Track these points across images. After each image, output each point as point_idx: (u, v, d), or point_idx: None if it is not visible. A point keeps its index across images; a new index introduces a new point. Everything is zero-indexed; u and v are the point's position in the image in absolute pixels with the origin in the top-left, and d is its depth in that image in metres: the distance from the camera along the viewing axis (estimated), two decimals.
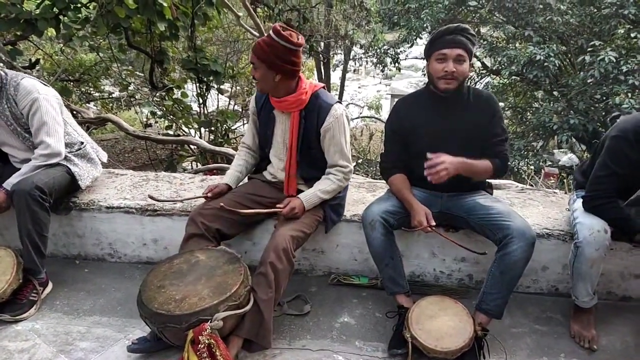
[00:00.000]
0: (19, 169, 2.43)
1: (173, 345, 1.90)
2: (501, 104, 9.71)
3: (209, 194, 2.28)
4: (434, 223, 2.05)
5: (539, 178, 6.46)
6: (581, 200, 2.13)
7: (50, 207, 2.34)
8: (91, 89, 8.30)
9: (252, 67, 2.10)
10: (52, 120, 2.38)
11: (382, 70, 11.29)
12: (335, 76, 15.20)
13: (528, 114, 8.16)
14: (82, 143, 2.61)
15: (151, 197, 2.37)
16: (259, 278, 1.98)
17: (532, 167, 7.73)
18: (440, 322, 1.96)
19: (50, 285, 2.42)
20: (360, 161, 9.81)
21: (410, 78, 18.59)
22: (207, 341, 1.67)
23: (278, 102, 2.19)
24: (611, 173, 2.01)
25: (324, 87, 2.27)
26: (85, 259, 2.73)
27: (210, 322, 1.70)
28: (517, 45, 7.31)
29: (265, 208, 2.32)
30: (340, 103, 2.25)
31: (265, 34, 2.10)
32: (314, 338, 2.12)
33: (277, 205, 2.20)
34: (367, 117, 11.48)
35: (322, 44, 10.66)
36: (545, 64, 6.35)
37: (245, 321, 1.93)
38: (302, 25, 6.61)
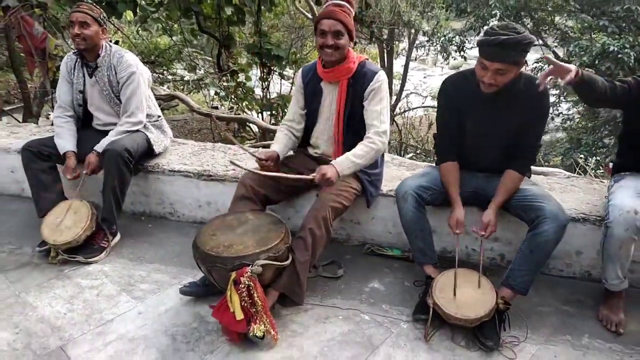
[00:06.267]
0: (100, 131, 2.80)
1: (218, 291, 2.13)
2: (571, 98, 9.25)
3: (262, 156, 2.31)
4: (459, 231, 2.17)
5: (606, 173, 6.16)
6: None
7: (134, 168, 2.69)
8: (165, 71, 8.88)
9: (332, 35, 2.17)
10: (141, 94, 2.76)
11: (446, 59, 11.06)
12: (399, 65, 15.02)
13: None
14: (159, 116, 3.01)
15: (232, 163, 2.27)
16: (298, 241, 2.15)
17: (602, 163, 7.35)
18: (463, 292, 2.04)
19: (118, 236, 2.75)
20: (418, 151, 9.76)
21: None
22: (247, 282, 1.88)
23: (328, 72, 2.32)
24: None
25: (367, 59, 2.40)
26: (150, 216, 3.07)
27: (251, 266, 1.92)
28: (591, 35, 6.95)
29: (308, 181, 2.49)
30: (384, 72, 2.37)
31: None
32: (344, 299, 2.28)
33: (312, 175, 2.16)
34: (427, 107, 11.33)
35: (385, 31, 10.61)
36: (620, 55, 6.01)
37: (282, 277, 2.12)
38: (364, 11, 6.66)
